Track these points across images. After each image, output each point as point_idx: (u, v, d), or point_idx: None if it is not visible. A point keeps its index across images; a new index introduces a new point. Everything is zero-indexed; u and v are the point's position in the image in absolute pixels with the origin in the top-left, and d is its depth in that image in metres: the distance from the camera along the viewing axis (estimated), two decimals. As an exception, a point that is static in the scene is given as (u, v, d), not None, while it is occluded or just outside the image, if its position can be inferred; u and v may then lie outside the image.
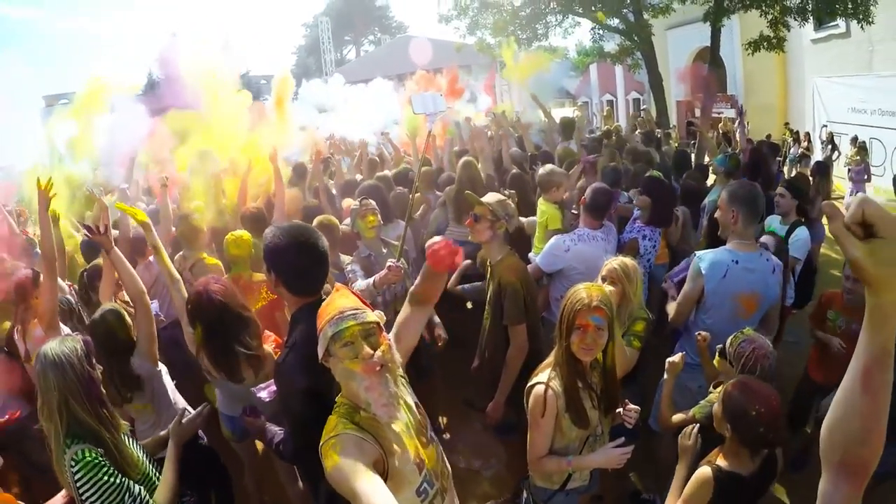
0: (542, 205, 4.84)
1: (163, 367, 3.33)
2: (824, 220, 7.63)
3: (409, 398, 2.08)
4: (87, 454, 2.14)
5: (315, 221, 4.14)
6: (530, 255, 4.64)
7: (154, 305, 3.64)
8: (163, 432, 2.73)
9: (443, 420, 4.70)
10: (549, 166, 5.06)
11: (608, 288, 3.08)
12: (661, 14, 15.29)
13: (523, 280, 3.35)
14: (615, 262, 3.16)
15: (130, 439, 2.43)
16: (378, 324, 1.93)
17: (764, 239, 4.30)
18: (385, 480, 1.77)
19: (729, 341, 2.73)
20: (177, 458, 2.49)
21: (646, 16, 15.48)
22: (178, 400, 3.40)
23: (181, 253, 4.75)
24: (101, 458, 2.16)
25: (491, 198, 3.43)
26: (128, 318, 3.27)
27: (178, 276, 3.33)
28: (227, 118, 6.44)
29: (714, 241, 3.85)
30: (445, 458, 2.19)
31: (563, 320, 2.43)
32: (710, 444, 2.46)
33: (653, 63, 15.92)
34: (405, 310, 2.24)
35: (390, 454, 1.86)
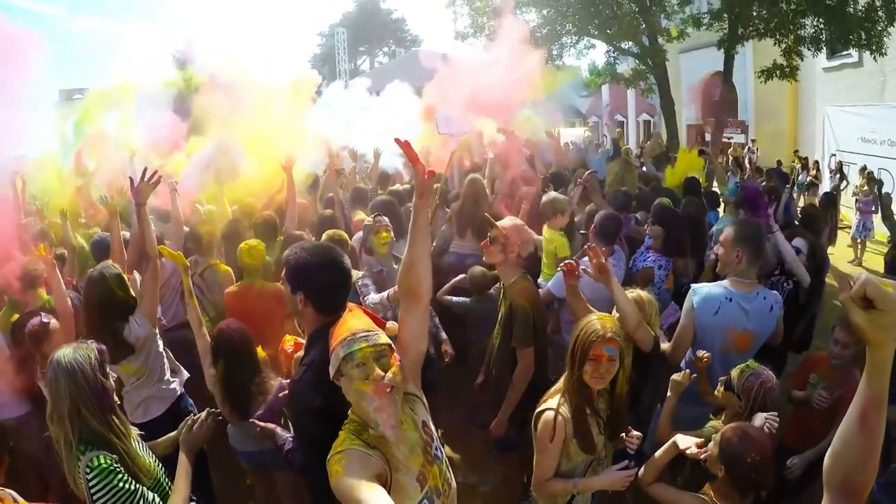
0: (546, 232, 4.82)
1: (158, 332, 3.49)
2: (830, 250, 7.68)
3: (419, 416, 2.13)
4: (102, 460, 2.14)
5: (325, 236, 4.20)
6: (540, 280, 4.68)
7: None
8: (172, 434, 2.76)
9: (440, 433, 4.70)
10: (551, 194, 5.07)
11: (631, 294, 3.19)
12: (676, 39, 15.39)
13: (534, 304, 3.41)
14: (630, 294, 3.21)
15: (140, 444, 2.44)
16: (390, 345, 1.97)
17: (796, 243, 4.32)
18: (390, 493, 1.82)
19: (735, 375, 2.76)
20: (190, 467, 2.47)
21: (661, 40, 15.59)
22: (173, 366, 3.62)
23: (193, 257, 4.78)
24: (115, 465, 2.16)
25: (507, 222, 3.49)
26: (126, 279, 3.38)
27: (203, 322, 3.41)
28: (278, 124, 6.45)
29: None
30: (451, 477, 2.24)
31: (575, 350, 2.50)
32: (702, 476, 2.53)
33: (665, 87, 16.01)
34: (400, 311, 2.24)
35: (395, 470, 1.92)
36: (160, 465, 2.49)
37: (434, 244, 5.45)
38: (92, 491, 2.11)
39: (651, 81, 16.62)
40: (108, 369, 2.32)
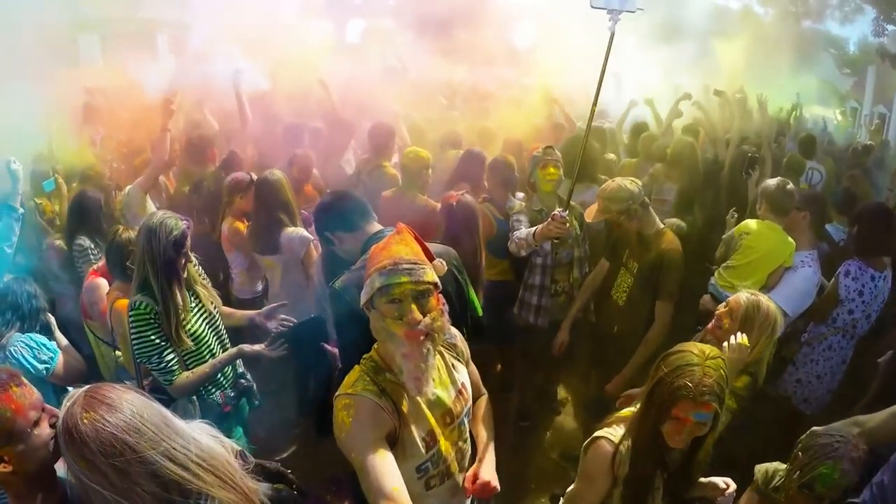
0: (771, 230, 3.53)
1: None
2: None
3: (458, 376, 1.91)
4: (142, 307, 2.45)
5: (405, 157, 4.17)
6: (718, 286, 3.66)
7: None
8: (251, 312, 3.00)
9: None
10: (782, 179, 3.73)
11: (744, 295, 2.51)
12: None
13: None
14: (743, 296, 2.48)
15: (209, 319, 2.71)
16: (436, 284, 1.71)
17: None
18: (392, 447, 1.68)
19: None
20: (232, 358, 2.71)
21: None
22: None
23: (365, 156, 5.08)
24: (151, 316, 2.46)
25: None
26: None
27: None
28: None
29: None
30: (467, 445, 1.97)
31: (654, 396, 1.81)
32: None
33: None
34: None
35: (404, 425, 1.74)
36: (220, 342, 2.78)
37: None
38: (130, 327, 2.47)
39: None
40: (187, 251, 2.57)
